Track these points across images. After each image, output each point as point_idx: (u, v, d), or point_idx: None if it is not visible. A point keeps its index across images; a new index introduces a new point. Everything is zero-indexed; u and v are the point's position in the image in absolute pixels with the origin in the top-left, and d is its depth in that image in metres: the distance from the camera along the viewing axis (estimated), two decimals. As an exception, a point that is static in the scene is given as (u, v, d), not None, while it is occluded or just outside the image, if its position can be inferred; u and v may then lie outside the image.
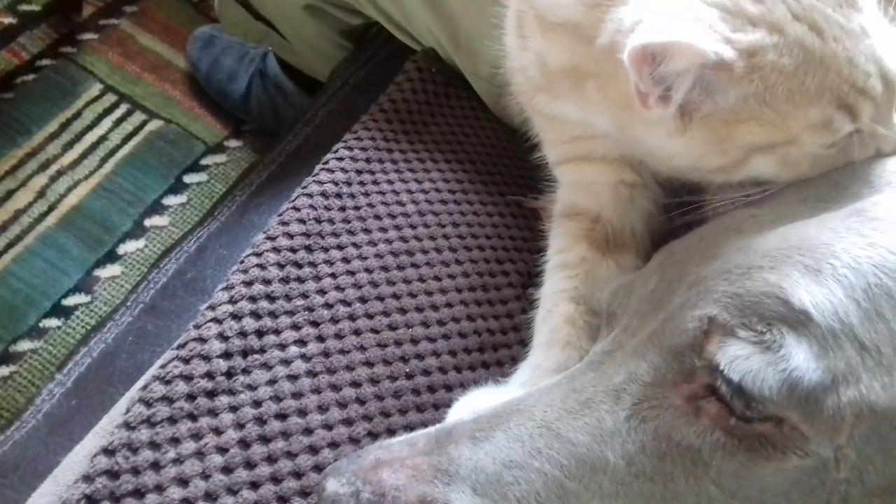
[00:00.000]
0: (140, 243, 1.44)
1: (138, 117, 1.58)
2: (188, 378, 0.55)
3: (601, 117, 0.58)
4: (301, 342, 0.60)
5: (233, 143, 1.59)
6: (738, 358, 0.44)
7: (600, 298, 0.61)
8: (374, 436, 0.57)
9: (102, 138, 1.54)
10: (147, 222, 1.47)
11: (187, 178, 1.54)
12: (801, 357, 0.43)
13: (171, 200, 1.50)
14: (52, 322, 1.31)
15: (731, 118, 0.50)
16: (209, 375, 0.56)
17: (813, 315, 0.43)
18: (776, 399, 0.42)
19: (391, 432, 0.58)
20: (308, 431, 0.56)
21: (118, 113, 1.57)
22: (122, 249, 1.43)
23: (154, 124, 1.57)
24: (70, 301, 1.35)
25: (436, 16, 0.84)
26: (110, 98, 1.59)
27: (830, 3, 0.49)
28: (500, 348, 0.67)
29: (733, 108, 0.50)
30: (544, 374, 0.59)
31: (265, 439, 0.55)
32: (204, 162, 1.56)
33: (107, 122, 1.56)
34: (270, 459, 0.54)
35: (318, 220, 0.66)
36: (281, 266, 0.62)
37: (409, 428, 0.59)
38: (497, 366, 0.66)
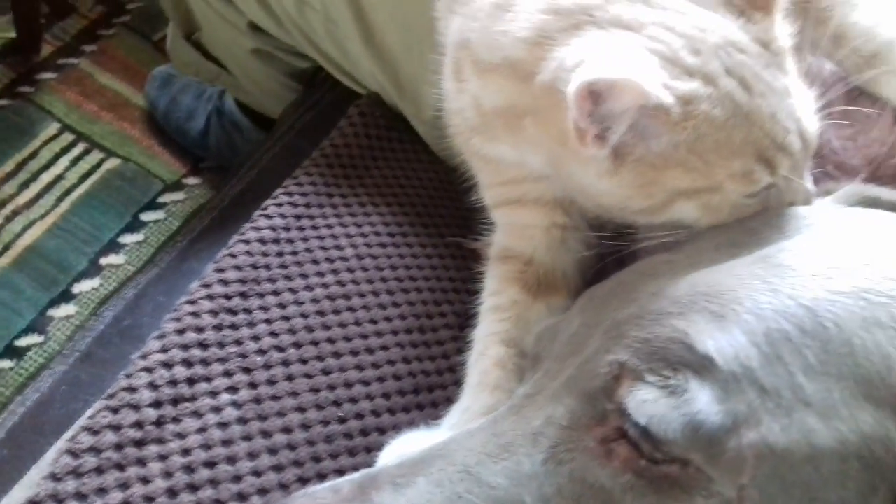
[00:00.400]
0: (95, 282, 1.44)
1: (96, 156, 1.58)
2: (116, 428, 0.56)
3: (535, 156, 0.60)
4: (233, 389, 0.60)
5: (191, 180, 1.60)
6: (645, 402, 0.45)
7: (528, 341, 0.62)
8: (304, 481, 0.58)
9: (59, 177, 1.54)
10: (103, 261, 1.47)
11: (144, 216, 1.54)
12: (704, 401, 0.44)
13: (127, 239, 1.50)
14: (5, 363, 1.30)
15: (660, 163, 0.52)
16: (138, 425, 0.56)
17: (716, 360, 0.45)
18: (680, 441, 0.44)
19: (322, 477, 0.59)
20: (237, 479, 0.57)
21: (75, 152, 1.58)
22: (76, 289, 1.43)
23: (111, 163, 1.58)
24: (23, 342, 1.34)
25: (378, 61, 0.86)
26: (68, 137, 1.59)
27: (760, 62, 0.51)
28: (435, 389, 0.68)
29: (663, 154, 0.52)
30: (473, 416, 0.60)
31: (193, 487, 0.55)
32: (161, 199, 1.57)
33: (64, 161, 1.56)
34: (198, 508, 0.55)
35: (255, 267, 0.67)
36: (215, 313, 0.63)
37: (341, 472, 0.59)
38: (432, 407, 0.67)
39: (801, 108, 0.53)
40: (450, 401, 0.66)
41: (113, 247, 1.49)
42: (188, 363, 0.61)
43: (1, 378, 1.28)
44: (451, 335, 0.71)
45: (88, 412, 0.58)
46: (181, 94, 1.53)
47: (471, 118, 0.63)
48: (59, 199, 1.52)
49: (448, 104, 0.67)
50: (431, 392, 0.68)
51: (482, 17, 0.58)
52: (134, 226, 1.52)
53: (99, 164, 1.57)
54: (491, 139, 0.63)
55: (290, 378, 0.63)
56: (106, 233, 1.50)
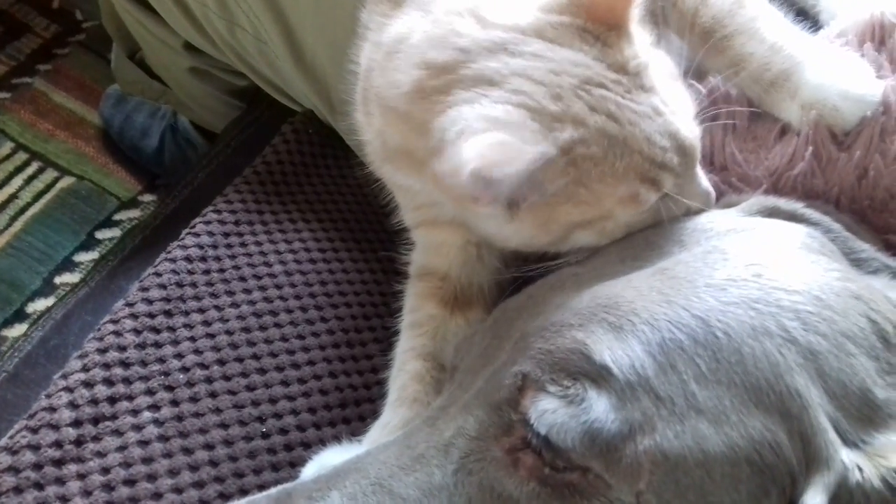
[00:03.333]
0: (49, 301, 1.43)
1: (50, 175, 1.57)
2: (35, 448, 0.56)
3: (441, 199, 0.61)
4: (154, 407, 0.61)
5: (147, 197, 1.59)
6: (546, 412, 0.46)
7: (447, 354, 0.63)
8: (225, 497, 0.58)
9: (13, 197, 1.53)
10: (57, 280, 1.46)
11: (99, 234, 1.53)
12: (601, 409, 0.45)
13: (82, 257, 1.50)
14: (-44, 383, 1.29)
15: (552, 202, 0.54)
16: (58, 444, 0.57)
17: (612, 369, 0.46)
18: (579, 449, 0.45)
19: (244, 493, 0.60)
20: (157, 496, 0.57)
21: (29, 171, 1.57)
22: (30, 308, 1.42)
23: (66, 181, 1.57)
24: (-25, 362, 1.33)
25: (309, 81, 0.87)
26: (21, 156, 1.58)
27: (620, 90, 0.53)
28: (363, 403, 0.69)
29: (554, 195, 0.54)
30: (393, 431, 0.61)
31: (112, 506, 0.56)
32: (117, 217, 1.56)
33: (17, 181, 1.55)
34: (117, 526, 0.55)
35: (180, 285, 0.67)
36: (138, 332, 0.64)
37: (263, 488, 0.59)
38: (360, 421, 0.68)
39: (676, 120, 0.54)
40: (377, 414, 0.67)
41: (68, 265, 1.48)
42: (109, 382, 0.61)
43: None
44: (379, 349, 0.72)
45: (9, 433, 0.58)
46: (135, 113, 1.53)
47: (379, 150, 0.64)
48: (13, 219, 1.51)
49: (359, 133, 0.68)
50: (359, 406, 0.69)
51: (381, 55, 0.59)
52: (89, 244, 1.51)
53: (53, 183, 1.56)
54: (399, 170, 0.64)
55: (213, 395, 0.63)
56: (60, 251, 1.49)
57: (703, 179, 0.59)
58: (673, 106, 0.54)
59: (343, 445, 0.62)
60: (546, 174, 0.51)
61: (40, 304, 1.42)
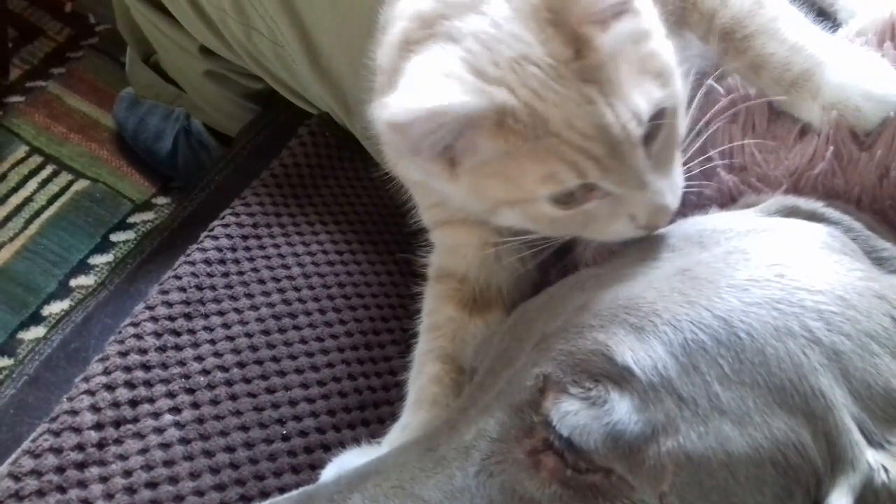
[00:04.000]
0: (65, 304, 1.44)
1: (64, 178, 1.58)
2: (58, 451, 0.56)
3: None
4: (175, 410, 0.61)
5: (161, 200, 1.60)
6: (568, 413, 0.46)
7: (467, 356, 0.63)
8: (247, 500, 0.59)
9: (28, 200, 1.54)
10: (72, 282, 1.47)
11: (114, 237, 1.54)
12: (624, 411, 0.45)
13: (97, 259, 1.50)
14: (-26, 385, 1.30)
15: (485, 172, 0.55)
16: (80, 447, 0.57)
17: (634, 371, 0.46)
18: (602, 451, 0.45)
19: (265, 495, 0.60)
20: (179, 499, 0.57)
21: (44, 174, 1.58)
22: (46, 311, 1.43)
23: (80, 184, 1.58)
24: (-8, 364, 1.34)
25: (325, 83, 0.87)
26: (36, 160, 1.59)
27: (552, 73, 0.53)
28: (381, 405, 0.69)
29: (487, 163, 0.54)
30: (412, 433, 0.61)
31: (134, 508, 0.56)
32: (131, 220, 1.57)
33: (32, 184, 1.56)
34: (139, 528, 0.55)
35: (200, 288, 0.68)
36: (158, 335, 0.64)
37: (284, 490, 0.60)
38: (378, 423, 0.68)
39: (609, 114, 0.53)
40: (396, 417, 0.67)
41: (83, 268, 1.49)
42: (131, 385, 0.61)
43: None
44: (398, 351, 0.72)
45: (31, 436, 0.59)
46: (149, 115, 1.54)
47: (395, 142, 0.64)
48: (28, 222, 1.52)
49: (376, 129, 0.68)
50: (378, 408, 0.69)
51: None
52: (104, 247, 1.52)
53: (68, 186, 1.57)
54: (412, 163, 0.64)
55: (233, 397, 0.63)
56: (75, 254, 1.50)
57: (663, 194, 0.56)
58: (619, 104, 0.53)
59: (363, 448, 0.62)
60: (477, 133, 0.52)
61: (56, 307, 1.43)
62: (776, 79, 0.63)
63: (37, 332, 1.40)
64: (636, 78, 0.54)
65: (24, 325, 1.40)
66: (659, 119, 0.55)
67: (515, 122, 0.52)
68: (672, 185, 0.57)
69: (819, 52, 0.62)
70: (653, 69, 0.55)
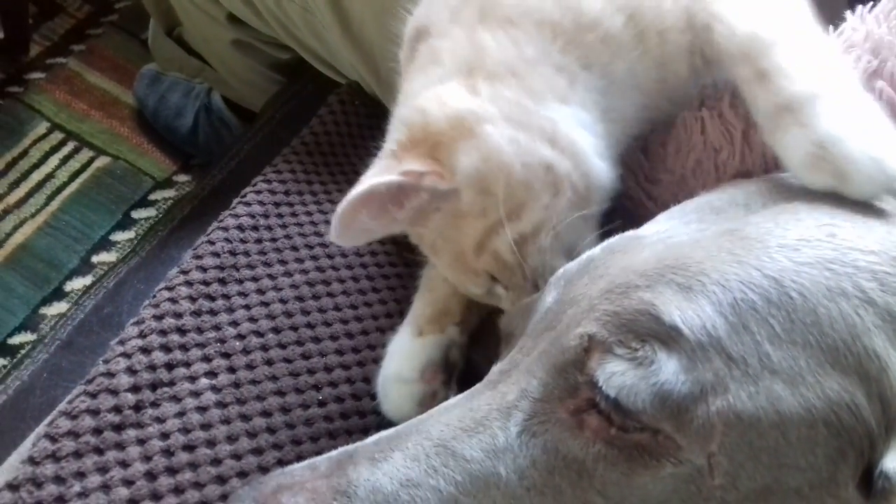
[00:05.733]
0: (87, 280, 1.44)
1: (85, 154, 1.58)
2: (95, 412, 0.56)
3: None
4: (212, 374, 0.61)
5: (181, 177, 1.60)
6: (614, 374, 0.45)
7: (500, 323, 0.63)
8: (284, 464, 0.58)
9: (49, 176, 1.54)
10: (94, 259, 1.47)
11: (135, 214, 1.54)
12: (671, 370, 0.44)
13: (118, 236, 1.51)
14: (-2, 361, 1.31)
15: None
16: (116, 409, 0.57)
17: (682, 330, 0.45)
18: (650, 411, 0.44)
19: (302, 460, 0.59)
20: (216, 462, 0.57)
21: (65, 151, 1.58)
22: (68, 286, 1.43)
23: (101, 161, 1.58)
24: (16, 340, 1.34)
25: (356, 51, 0.86)
26: (57, 136, 1.59)
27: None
28: (416, 372, 0.68)
29: None
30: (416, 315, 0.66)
31: (172, 471, 0.56)
32: (152, 197, 1.57)
33: (54, 160, 1.56)
34: (177, 491, 0.55)
35: (233, 253, 0.67)
36: (193, 299, 0.64)
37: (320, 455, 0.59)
38: (414, 390, 0.67)
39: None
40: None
41: (104, 244, 1.49)
42: (166, 348, 0.61)
43: (-8, 375, 1.28)
44: (431, 318, 0.71)
45: (67, 398, 0.58)
46: (169, 92, 1.53)
47: None
48: (50, 198, 1.52)
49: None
50: (412, 374, 0.68)
51: None
52: (125, 223, 1.52)
53: (89, 163, 1.57)
54: None
55: (269, 362, 0.63)
56: (97, 231, 1.50)
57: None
58: None
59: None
60: None
61: (78, 283, 1.44)
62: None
63: (59, 307, 1.40)
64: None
65: (47, 301, 1.40)
66: None
67: None
68: None
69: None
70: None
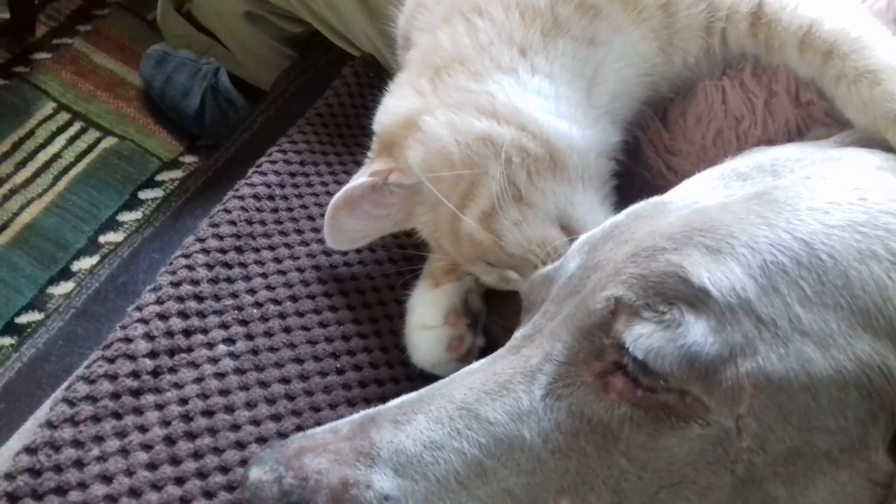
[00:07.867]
0: (94, 259, 1.44)
1: (92, 135, 1.57)
2: (113, 377, 0.56)
3: None
4: (229, 340, 0.60)
5: (188, 158, 1.59)
6: (641, 336, 0.45)
7: (521, 291, 0.62)
8: (303, 430, 0.58)
9: (56, 156, 1.54)
10: (101, 239, 1.46)
11: (142, 194, 1.53)
12: (699, 332, 0.44)
13: (125, 216, 1.50)
14: (5, 340, 1.30)
15: None
16: (135, 374, 0.56)
17: (711, 292, 0.45)
18: (678, 373, 0.44)
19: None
20: (235, 427, 0.57)
21: (72, 131, 1.57)
22: (75, 266, 1.43)
23: (108, 141, 1.57)
24: (23, 319, 1.34)
25: (371, 21, 0.86)
26: (64, 116, 1.59)
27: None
28: (433, 343, 0.68)
29: None
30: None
31: (191, 436, 0.55)
32: (159, 178, 1.56)
33: (60, 141, 1.56)
34: (196, 455, 0.55)
35: (250, 222, 0.67)
36: (210, 267, 0.63)
37: (339, 422, 0.59)
38: (430, 360, 0.67)
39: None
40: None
41: (111, 224, 1.49)
42: (184, 315, 0.60)
43: (1, 354, 1.28)
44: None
45: (85, 363, 0.58)
46: (176, 73, 1.52)
47: None
48: (57, 178, 1.51)
49: None
50: (429, 345, 0.68)
51: None
52: (132, 204, 1.51)
53: (96, 143, 1.57)
54: None
55: (287, 330, 0.63)
56: (104, 211, 1.50)
57: None
58: None
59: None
60: None
61: (85, 263, 1.43)
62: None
63: (66, 287, 1.40)
64: None
65: (54, 280, 1.40)
66: None
67: None
68: None
69: None
70: None
